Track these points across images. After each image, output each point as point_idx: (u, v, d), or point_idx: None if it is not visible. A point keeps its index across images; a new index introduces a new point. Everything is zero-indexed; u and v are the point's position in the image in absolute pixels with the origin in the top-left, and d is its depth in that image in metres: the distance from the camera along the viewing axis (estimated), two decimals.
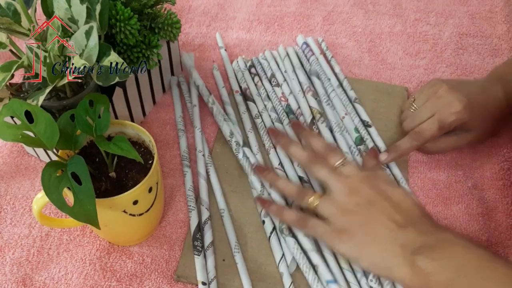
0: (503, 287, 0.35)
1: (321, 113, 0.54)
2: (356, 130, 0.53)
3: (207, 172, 0.51)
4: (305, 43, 0.64)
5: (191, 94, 0.57)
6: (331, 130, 0.54)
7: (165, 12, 0.50)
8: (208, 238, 0.45)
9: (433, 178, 0.51)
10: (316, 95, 0.57)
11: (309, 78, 0.59)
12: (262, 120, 0.55)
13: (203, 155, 0.51)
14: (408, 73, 0.63)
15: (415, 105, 0.52)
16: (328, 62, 0.62)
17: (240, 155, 0.51)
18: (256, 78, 0.60)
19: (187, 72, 0.60)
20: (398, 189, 0.43)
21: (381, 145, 0.52)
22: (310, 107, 0.55)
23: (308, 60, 0.61)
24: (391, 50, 0.66)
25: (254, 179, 0.49)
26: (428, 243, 0.38)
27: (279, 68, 0.61)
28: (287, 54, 0.62)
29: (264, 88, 0.59)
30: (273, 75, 0.59)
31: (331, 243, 0.42)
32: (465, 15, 0.71)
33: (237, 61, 0.62)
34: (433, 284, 0.36)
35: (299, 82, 0.58)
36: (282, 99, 0.57)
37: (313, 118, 0.54)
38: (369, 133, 0.54)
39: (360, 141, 0.53)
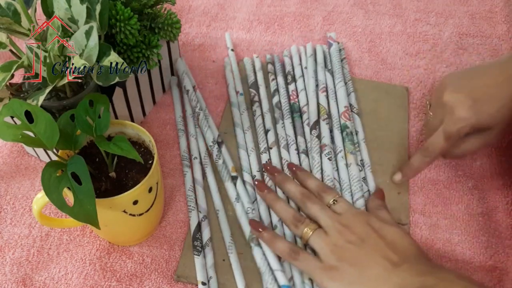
0: None
1: (327, 113, 0.54)
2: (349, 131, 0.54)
3: (204, 173, 0.51)
4: (330, 41, 0.63)
5: (184, 100, 0.57)
6: (331, 130, 0.54)
7: (165, 12, 0.50)
8: (206, 235, 0.45)
9: (433, 178, 0.51)
10: (326, 92, 0.57)
11: (326, 76, 0.59)
12: (263, 121, 0.55)
13: (200, 162, 0.51)
14: (408, 73, 0.63)
15: (430, 113, 0.50)
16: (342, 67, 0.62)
17: (220, 162, 0.50)
18: (271, 75, 0.60)
19: (180, 78, 0.59)
20: (393, 227, 0.42)
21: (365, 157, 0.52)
22: (318, 104, 0.55)
23: (330, 58, 0.61)
24: (391, 50, 0.66)
25: (230, 186, 0.49)
26: (427, 283, 0.37)
27: (300, 64, 0.60)
28: (314, 52, 0.62)
29: (276, 82, 0.59)
30: (289, 72, 0.59)
31: (320, 280, 0.40)
32: (465, 15, 0.71)
33: (251, 60, 0.62)
34: None
35: (316, 80, 0.58)
36: (291, 96, 0.57)
37: (319, 117, 0.54)
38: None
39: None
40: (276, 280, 0.42)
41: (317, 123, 0.53)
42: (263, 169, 0.50)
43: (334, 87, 0.57)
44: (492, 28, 0.68)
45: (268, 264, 0.43)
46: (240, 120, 0.55)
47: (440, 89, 0.48)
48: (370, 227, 0.42)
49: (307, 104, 0.56)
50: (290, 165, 0.50)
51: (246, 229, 0.45)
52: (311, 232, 0.43)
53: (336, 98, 0.57)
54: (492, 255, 0.46)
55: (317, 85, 0.58)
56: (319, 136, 0.52)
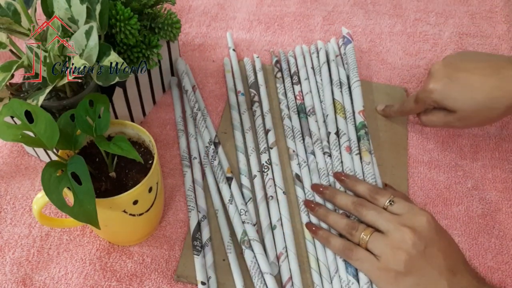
0: None
1: (343, 107, 0.54)
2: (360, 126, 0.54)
3: (203, 173, 0.51)
4: (345, 36, 0.63)
5: (184, 100, 0.57)
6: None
7: (165, 12, 0.50)
8: (205, 235, 0.45)
9: (433, 178, 0.51)
10: (341, 87, 0.57)
11: (339, 71, 0.59)
12: (263, 122, 0.55)
13: (199, 162, 0.51)
14: (408, 73, 0.63)
15: None
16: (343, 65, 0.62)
17: (215, 163, 0.50)
18: (279, 74, 0.60)
19: (180, 78, 0.59)
20: (446, 231, 0.42)
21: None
22: (334, 99, 0.55)
23: (345, 55, 0.61)
24: (391, 50, 0.66)
25: (224, 188, 0.48)
26: None
27: (305, 65, 0.60)
28: (325, 48, 0.62)
29: (283, 84, 0.59)
30: (295, 73, 0.59)
31: (376, 280, 0.40)
32: (465, 15, 0.71)
33: (251, 60, 0.61)
34: None
35: (330, 75, 0.58)
36: (298, 97, 0.57)
37: (336, 115, 0.54)
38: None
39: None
40: (265, 283, 0.42)
41: (337, 133, 0.53)
42: (311, 189, 0.49)
43: (349, 86, 0.57)
44: (492, 28, 0.68)
45: (259, 267, 0.43)
46: (238, 122, 0.55)
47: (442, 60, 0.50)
48: (433, 230, 0.40)
49: (313, 105, 0.56)
50: (337, 174, 0.49)
51: (239, 230, 0.45)
52: (367, 237, 0.41)
53: (350, 96, 0.56)
54: (494, 256, 0.46)
55: (331, 80, 0.58)
56: (337, 133, 0.53)
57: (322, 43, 0.62)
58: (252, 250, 0.44)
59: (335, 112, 0.54)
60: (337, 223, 0.44)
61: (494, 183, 0.51)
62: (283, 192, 0.48)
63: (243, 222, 0.45)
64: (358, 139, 0.52)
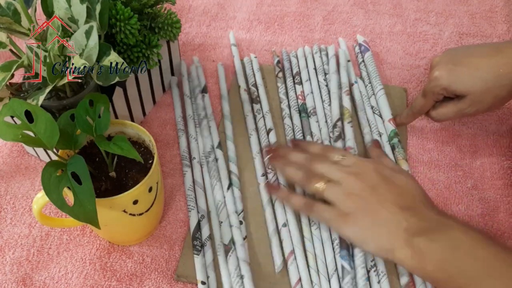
0: (490, 266, 0.36)
1: (352, 115, 0.54)
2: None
3: (203, 173, 0.51)
4: (362, 44, 0.63)
5: (184, 100, 0.57)
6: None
7: (165, 11, 0.50)
8: (205, 234, 0.45)
9: (433, 178, 0.51)
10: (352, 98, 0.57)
11: (350, 80, 0.59)
12: (264, 122, 0.55)
13: (199, 163, 0.51)
14: (408, 73, 0.63)
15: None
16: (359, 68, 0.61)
17: (215, 163, 0.50)
18: (280, 74, 0.60)
19: (180, 78, 0.59)
20: (401, 174, 0.44)
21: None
22: (342, 106, 0.55)
23: (364, 64, 0.61)
24: (391, 50, 0.66)
25: (222, 191, 0.48)
26: (429, 227, 0.39)
27: (307, 67, 0.60)
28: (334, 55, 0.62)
29: (285, 84, 0.59)
30: (298, 73, 0.59)
31: (337, 226, 0.42)
32: (465, 15, 0.71)
33: (251, 60, 0.62)
34: (428, 263, 0.37)
35: (340, 83, 0.58)
36: (300, 97, 0.57)
37: (342, 118, 0.54)
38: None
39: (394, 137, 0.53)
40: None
41: (336, 125, 0.53)
42: (265, 151, 0.51)
43: (374, 94, 0.57)
44: (492, 28, 0.68)
45: (240, 271, 0.43)
46: (232, 132, 0.54)
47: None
48: (380, 175, 0.43)
49: (314, 106, 0.56)
50: (292, 140, 0.52)
51: (227, 234, 0.45)
52: (324, 185, 0.43)
53: (378, 105, 0.56)
54: None
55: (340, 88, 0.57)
56: (339, 137, 0.52)
57: (333, 50, 0.62)
58: (237, 257, 0.44)
59: (343, 117, 0.54)
60: (294, 174, 0.46)
61: (492, 180, 0.51)
62: None
63: (230, 226, 0.46)
64: (392, 148, 0.52)
